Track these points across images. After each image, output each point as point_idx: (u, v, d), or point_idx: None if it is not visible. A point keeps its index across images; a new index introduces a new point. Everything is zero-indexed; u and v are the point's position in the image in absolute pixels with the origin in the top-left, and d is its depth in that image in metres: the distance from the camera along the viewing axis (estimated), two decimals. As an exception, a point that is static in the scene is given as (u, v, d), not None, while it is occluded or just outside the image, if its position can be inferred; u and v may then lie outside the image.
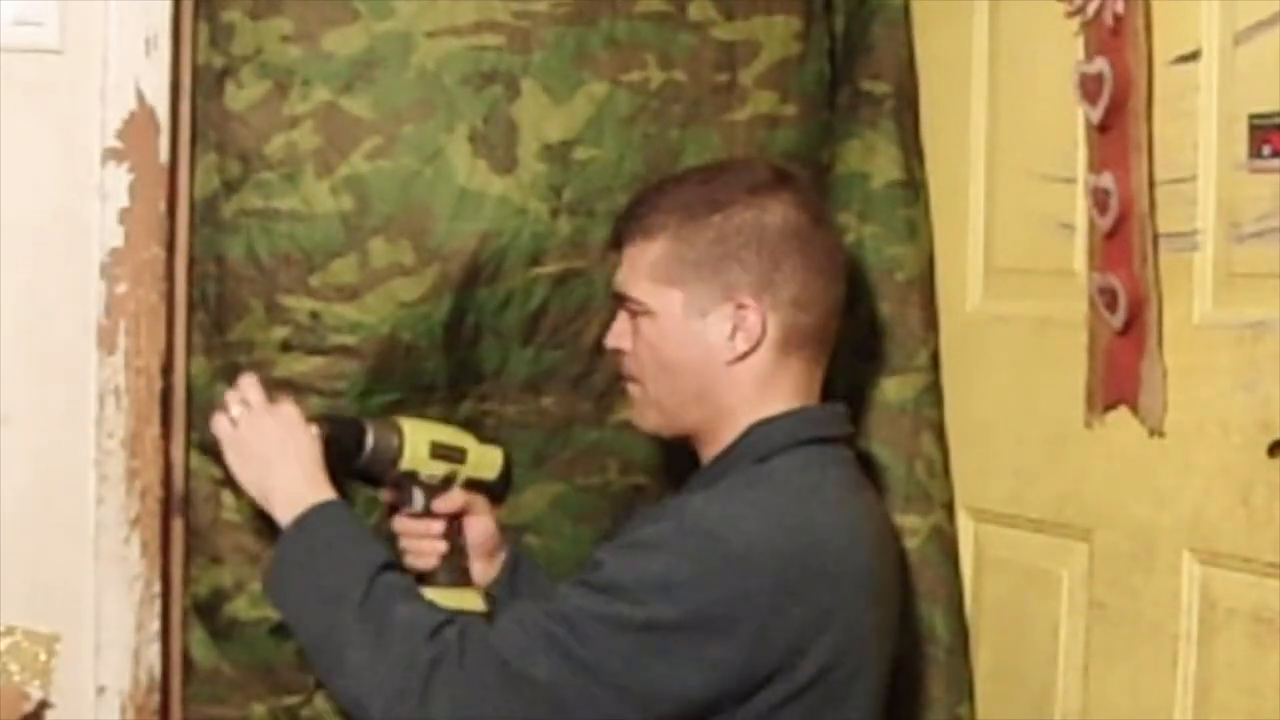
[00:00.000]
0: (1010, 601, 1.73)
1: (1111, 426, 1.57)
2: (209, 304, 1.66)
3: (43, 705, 1.57)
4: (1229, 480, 1.43)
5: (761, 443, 1.49)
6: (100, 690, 1.60)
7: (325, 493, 1.53)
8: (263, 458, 1.54)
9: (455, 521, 1.67)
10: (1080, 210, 1.60)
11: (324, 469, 1.55)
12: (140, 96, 1.59)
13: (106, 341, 1.59)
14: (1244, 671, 1.41)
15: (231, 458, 1.55)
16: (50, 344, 1.59)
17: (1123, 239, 1.52)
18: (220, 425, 1.56)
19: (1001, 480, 1.74)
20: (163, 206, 1.61)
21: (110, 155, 1.59)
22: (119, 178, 1.59)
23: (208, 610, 1.68)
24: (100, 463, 1.60)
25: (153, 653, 1.62)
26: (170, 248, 1.63)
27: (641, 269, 1.52)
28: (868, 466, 1.76)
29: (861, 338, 1.80)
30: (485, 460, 1.72)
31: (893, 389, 1.80)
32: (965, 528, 1.80)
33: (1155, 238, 1.50)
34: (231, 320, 1.66)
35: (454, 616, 1.44)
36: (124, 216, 1.59)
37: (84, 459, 1.60)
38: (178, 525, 1.65)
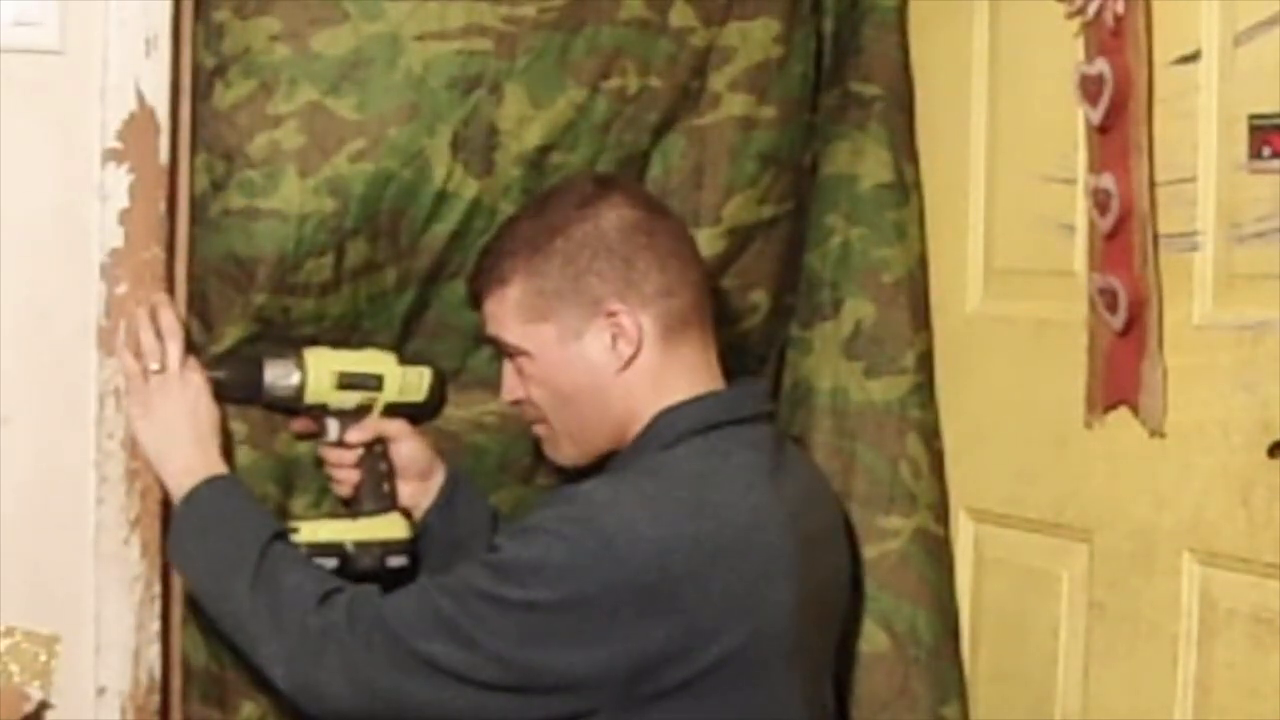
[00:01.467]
0: (1010, 602, 1.73)
1: (1111, 427, 1.57)
2: (196, 304, 1.66)
3: (43, 706, 1.57)
4: (1229, 481, 1.43)
5: (666, 431, 1.51)
6: (100, 691, 1.60)
7: (217, 467, 1.57)
8: (165, 424, 1.57)
9: (376, 448, 1.68)
10: (1080, 211, 1.60)
11: (219, 441, 1.58)
12: (140, 97, 1.59)
13: (106, 342, 1.59)
14: (1244, 672, 1.41)
15: (134, 409, 1.58)
16: (50, 344, 1.59)
17: (1123, 240, 1.52)
18: (132, 373, 1.58)
19: (1001, 481, 1.74)
20: (163, 207, 1.61)
21: (110, 156, 1.58)
22: (119, 178, 1.59)
23: (198, 606, 1.67)
24: (100, 463, 1.60)
25: (153, 653, 1.62)
26: (170, 248, 1.63)
27: (507, 314, 1.55)
28: (850, 466, 1.77)
29: (847, 339, 1.80)
30: (409, 384, 1.70)
31: (878, 390, 1.79)
32: (965, 528, 1.80)
33: (1155, 238, 1.50)
34: (218, 321, 1.65)
35: (343, 585, 1.49)
36: (124, 217, 1.59)
37: (84, 459, 1.60)
38: (177, 526, 1.65)
